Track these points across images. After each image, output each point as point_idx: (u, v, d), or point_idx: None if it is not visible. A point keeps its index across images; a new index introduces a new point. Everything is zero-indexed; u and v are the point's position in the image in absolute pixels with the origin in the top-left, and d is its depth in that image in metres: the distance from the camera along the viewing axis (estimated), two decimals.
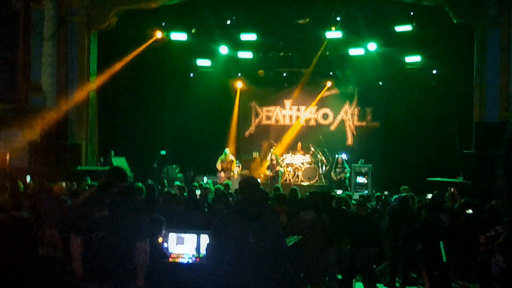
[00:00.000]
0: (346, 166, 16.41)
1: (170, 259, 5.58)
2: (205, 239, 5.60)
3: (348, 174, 16.36)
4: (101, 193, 4.56)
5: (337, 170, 16.33)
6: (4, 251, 8.31)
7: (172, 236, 5.82)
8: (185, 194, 10.97)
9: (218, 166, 16.23)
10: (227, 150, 16.51)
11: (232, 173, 16.21)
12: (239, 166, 17.37)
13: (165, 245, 5.74)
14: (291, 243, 6.08)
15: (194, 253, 5.67)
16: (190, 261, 5.58)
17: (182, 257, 5.66)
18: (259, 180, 14.03)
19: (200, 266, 5.38)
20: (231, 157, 16.42)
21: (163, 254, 5.53)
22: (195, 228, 7.68)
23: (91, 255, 4.40)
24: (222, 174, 16.06)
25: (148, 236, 4.61)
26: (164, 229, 5.76)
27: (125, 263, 4.41)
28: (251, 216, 4.28)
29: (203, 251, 5.59)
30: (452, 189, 12.37)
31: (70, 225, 4.59)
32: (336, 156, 16.73)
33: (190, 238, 5.77)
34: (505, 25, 13.87)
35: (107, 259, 4.36)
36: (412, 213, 9.42)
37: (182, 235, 5.83)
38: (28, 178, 12.03)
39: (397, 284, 9.18)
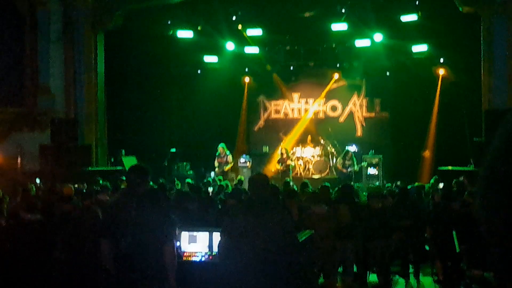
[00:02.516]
0: (355, 160, 16.38)
1: (184, 258, 5.62)
2: (217, 236, 5.65)
3: (356, 168, 16.33)
4: (126, 196, 4.51)
5: (347, 162, 16.29)
6: (19, 253, 8.41)
7: (185, 234, 5.84)
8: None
9: (216, 162, 16.28)
10: (221, 145, 16.40)
11: (225, 168, 16.16)
12: (249, 161, 17.42)
13: (178, 244, 5.77)
14: (303, 238, 6.10)
15: (207, 250, 5.71)
16: (203, 259, 5.62)
17: (195, 256, 5.69)
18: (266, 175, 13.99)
19: (213, 264, 5.41)
20: (227, 152, 16.33)
21: (177, 254, 5.55)
22: (208, 225, 7.74)
23: (121, 260, 4.37)
24: (217, 170, 16.08)
25: (175, 237, 4.58)
26: (177, 229, 5.79)
27: (155, 266, 4.37)
28: (262, 212, 4.29)
29: (215, 248, 5.65)
30: (462, 178, 12.37)
31: (100, 230, 4.55)
32: (346, 148, 16.70)
33: (202, 236, 5.79)
34: (511, 11, 13.79)
35: (137, 263, 4.32)
36: (412, 203, 9.41)
37: (195, 233, 5.86)
38: (37, 181, 12.12)
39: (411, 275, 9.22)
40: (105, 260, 4.44)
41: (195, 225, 7.73)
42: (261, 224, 4.22)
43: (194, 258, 5.68)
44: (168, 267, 4.44)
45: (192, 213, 8.30)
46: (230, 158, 16.25)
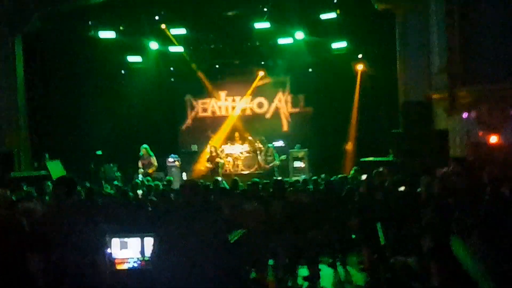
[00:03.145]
0: (276, 155, 16.82)
1: (116, 265, 5.63)
2: (149, 241, 5.73)
3: (278, 161, 16.79)
4: (55, 208, 4.49)
5: (268, 158, 16.74)
6: None
7: (115, 241, 5.83)
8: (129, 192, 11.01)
9: (139, 163, 16.11)
10: (143, 146, 16.12)
11: (149, 170, 16.02)
12: (178, 160, 17.42)
13: (109, 251, 5.75)
14: (235, 238, 6.26)
15: (139, 256, 5.75)
16: (136, 265, 5.67)
17: (127, 262, 5.73)
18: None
19: (145, 270, 5.47)
20: (151, 153, 16.15)
21: (109, 262, 5.55)
22: (140, 228, 7.73)
23: (52, 274, 4.34)
24: (141, 171, 15.89)
25: (105, 247, 4.60)
26: (107, 236, 5.76)
27: (87, 276, 4.37)
28: (193, 217, 4.39)
29: (147, 253, 5.72)
30: (381, 168, 12.99)
31: (27, 244, 4.50)
32: (268, 145, 17.04)
33: (133, 242, 5.82)
34: (423, 8, 14.52)
35: (69, 274, 4.32)
36: (338, 196, 9.82)
37: (125, 239, 5.87)
38: None
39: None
40: (34, 275, 4.41)
41: (125, 230, 7.74)
42: (193, 230, 4.34)
43: (126, 264, 5.71)
44: (100, 276, 4.48)
45: (122, 218, 8.26)
46: (153, 160, 16.03)
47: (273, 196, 9.39)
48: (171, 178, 14.28)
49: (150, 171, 15.83)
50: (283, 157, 17.19)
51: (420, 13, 14.53)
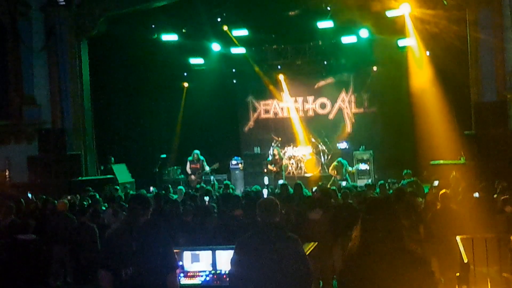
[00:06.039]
0: (346, 164, 16.03)
1: (187, 278, 5.51)
2: (220, 254, 5.59)
3: (352, 169, 16.22)
4: (127, 225, 4.43)
5: (341, 170, 15.94)
6: (15, 274, 8.24)
7: (187, 254, 5.74)
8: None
9: (188, 169, 16.00)
10: (196, 151, 16.04)
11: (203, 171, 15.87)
12: (241, 163, 17.29)
13: (180, 263, 5.63)
14: (307, 252, 6.00)
15: (211, 269, 5.62)
16: (208, 278, 5.52)
17: (199, 275, 5.60)
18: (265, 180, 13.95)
19: (218, 287, 5.32)
20: (201, 157, 16.03)
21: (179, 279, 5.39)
22: (208, 235, 7.62)
23: None
24: (193, 176, 15.74)
25: (177, 267, 4.50)
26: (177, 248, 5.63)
27: None
28: (274, 240, 4.20)
29: (219, 266, 5.58)
30: (454, 173, 12.41)
31: (99, 261, 4.45)
32: (337, 160, 16.21)
33: (205, 255, 5.69)
34: (495, 3, 13.81)
35: None
36: (408, 202, 9.29)
37: (197, 252, 5.76)
38: (29, 195, 11.91)
39: None
40: None
41: (194, 236, 7.65)
42: (272, 251, 4.14)
43: (198, 278, 5.57)
44: None
45: (189, 224, 8.21)
46: (204, 163, 15.84)
47: (342, 205, 9.09)
48: (229, 183, 14.06)
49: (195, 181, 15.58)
50: (357, 166, 16.64)
51: (492, 7, 13.84)
